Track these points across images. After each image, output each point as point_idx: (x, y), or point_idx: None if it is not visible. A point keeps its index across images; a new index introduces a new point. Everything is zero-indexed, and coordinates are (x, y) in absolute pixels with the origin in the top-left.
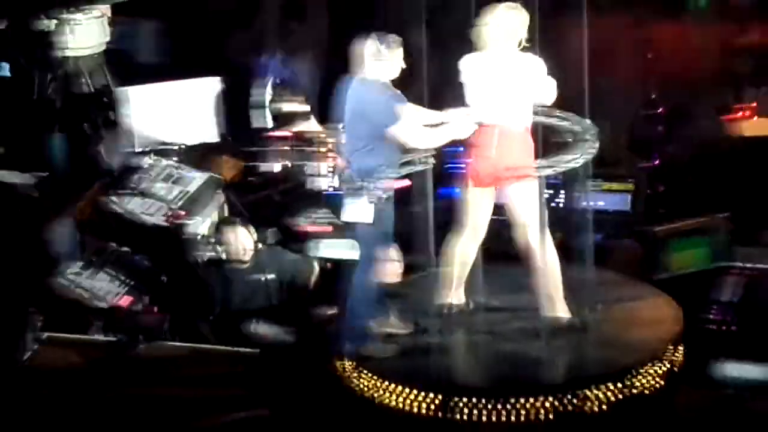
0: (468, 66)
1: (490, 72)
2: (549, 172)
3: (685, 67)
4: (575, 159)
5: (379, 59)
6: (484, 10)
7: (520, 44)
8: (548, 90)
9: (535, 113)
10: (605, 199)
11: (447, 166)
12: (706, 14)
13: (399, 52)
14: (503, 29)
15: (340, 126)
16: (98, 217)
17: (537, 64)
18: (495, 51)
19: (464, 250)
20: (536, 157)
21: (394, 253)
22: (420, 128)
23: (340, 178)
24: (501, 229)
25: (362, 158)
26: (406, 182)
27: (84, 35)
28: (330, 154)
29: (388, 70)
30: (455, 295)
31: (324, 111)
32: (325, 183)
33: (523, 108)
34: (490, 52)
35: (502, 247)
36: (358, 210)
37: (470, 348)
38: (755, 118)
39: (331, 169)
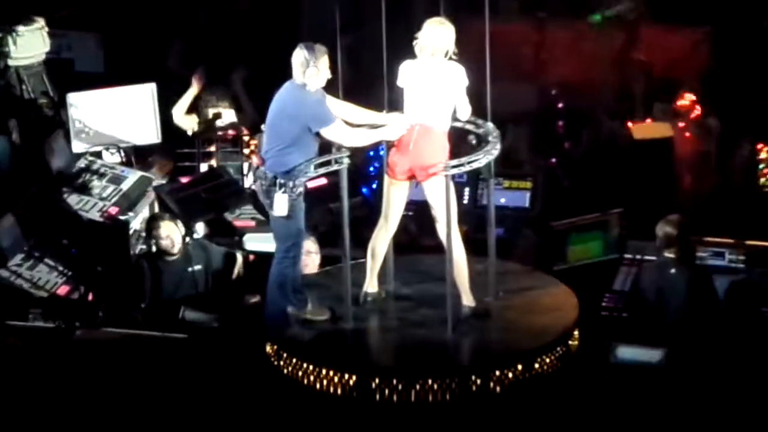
0: (403, 71)
1: (419, 77)
2: (455, 171)
3: (581, 71)
4: (479, 159)
5: (306, 67)
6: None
7: (447, 54)
8: (464, 103)
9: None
10: (506, 195)
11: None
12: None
13: (324, 60)
14: (431, 41)
15: (262, 126)
16: (38, 213)
17: (459, 74)
18: (425, 59)
19: (378, 241)
20: (451, 158)
21: (312, 245)
22: (352, 129)
23: (255, 174)
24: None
25: (283, 156)
26: (323, 180)
27: (25, 45)
28: (253, 155)
29: (315, 76)
30: (370, 285)
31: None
32: (248, 181)
33: (444, 112)
34: (421, 60)
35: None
36: (274, 204)
37: (383, 333)
38: (647, 120)
39: (247, 166)
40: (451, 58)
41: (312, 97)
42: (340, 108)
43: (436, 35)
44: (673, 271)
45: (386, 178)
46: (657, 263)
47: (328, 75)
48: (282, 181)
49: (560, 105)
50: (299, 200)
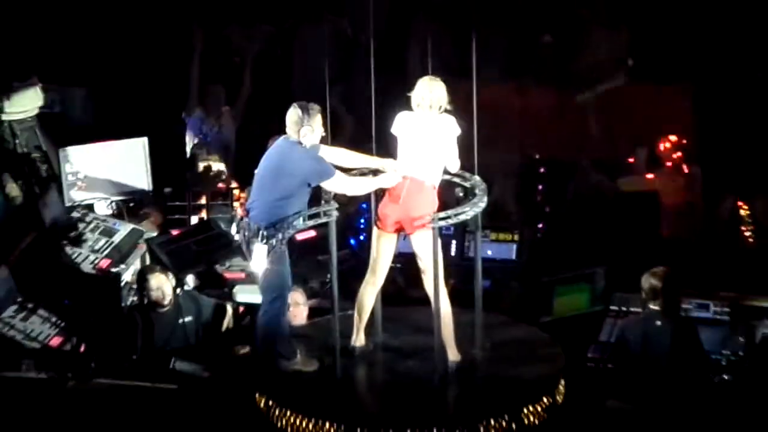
0: (398, 122)
1: (414, 129)
2: (443, 223)
3: (566, 129)
4: (466, 212)
5: (300, 126)
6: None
7: (440, 109)
8: (454, 155)
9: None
10: (493, 248)
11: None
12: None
13: (318, 119)
14: (426, 96)
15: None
16: (32, 265)
17: (452, 126)
18: (420, 113)
19: (365, 295)
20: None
21: (300, 297)
22: (352, 179)
23: (238, 225)
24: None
25: (273, 208)
26: (312, 233)
27: (19, 100)
28: (243, 207)
29: (309, 134)
30: (357, 339)
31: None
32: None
33: (435, 166)
34: (416, 113)
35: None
36: (253, 256)
37: (372, 384)
38: (632, 176)
39: (230, 217)
40: (444, 112)
41: (309, 153)
42: (333, 154)
43: (431, 90)
44: (658, 323)
45: (375, 230)
46: (642, 315)
47: (322, 132)
48: (265, 232)
49: (542, 170)
50: (283, 252)
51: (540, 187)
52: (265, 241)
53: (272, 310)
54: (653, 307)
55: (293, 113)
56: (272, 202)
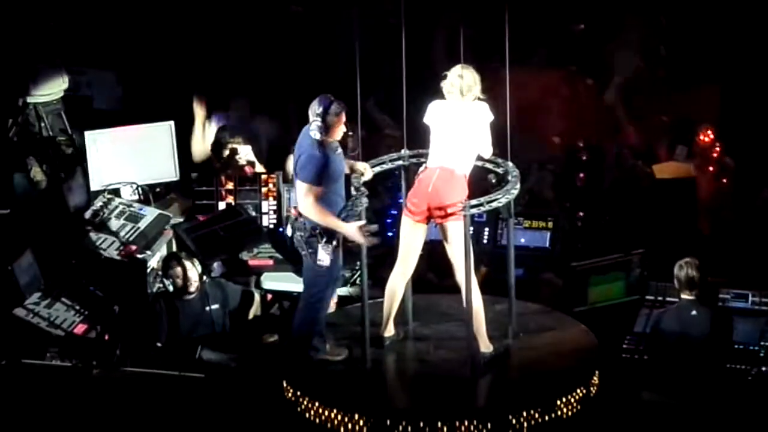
0: (431, 110)
1: (445, 118)
2: (475, 211)
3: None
4: (498, 199)
5: (316, 118)
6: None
7: (473, 96)
8: (488, 141)
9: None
10: (527, 236)
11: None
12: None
13: (335, 119)
14: (458, 83)
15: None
16: (57, 250)
17: (484, 113)
18: (452, 101)
19: (395, 284)
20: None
21: None
22: (315, 206)
23: (294, 226)
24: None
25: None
26: None
27: (44, 83)
28: (271, 194)
29: (317, 130)
30: (386, 329)
31: None
32: (266, 220)
33: (467, 155)
34: (447, 102)
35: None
36: (318, 255)
37: (401, 375)
38: (669, 161)
39: (287, 218)
40: (477, 99)
41: (312, 149)
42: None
43: (463, 77)
44: (693, 312)
45: (404, 219)
46: (677, 305)
47: (339, 134)
48: (320, 230)
49: (584, 157)
50: (338, 251)
51: (581, 174)
52: (325, 240)
53: (313, 306)
54: (688, 297)
55: (314, 103)
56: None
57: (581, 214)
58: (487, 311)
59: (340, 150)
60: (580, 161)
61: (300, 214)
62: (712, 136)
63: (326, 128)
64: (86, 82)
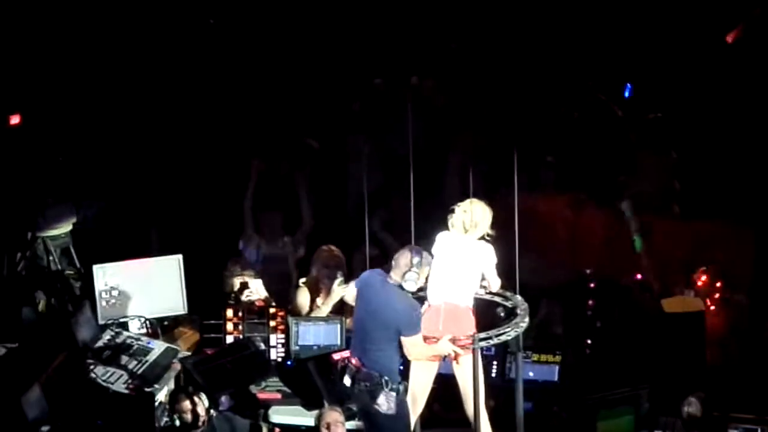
0: (438, 241)
1: (447, 252)
2: (483, 344)
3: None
4: (507, 332)
5: (408, 269)
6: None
7: (478, 232)
8: (494, 278)
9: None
10: (535, 369)
11: None
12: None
13: (427, 270)
14: (459, 218)
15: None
16: (64, 384)
17: (488, 254)
18: (458, 235)
19: None
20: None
21: (339, 416)
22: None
23: (355, 377)
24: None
25: (383, 355)
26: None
27: (53, 217)
28: (280, 327)
29: (413, 282)
30: None
31: None
32: (274, 353)
33: (469, 289)
34: (453, 235)
35: None
36: (383, 403)
37: None
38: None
39: (344, 368)
40: (484, 238)
41: (410, 302)
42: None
43: (469, 214)
44: None
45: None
46: None
47: (422, 282)
48: (387, 378)
49: (592, 285)
50: (403, 395)
51: (590, 302)
52: (390, 387)
53: None
54: None
55: (405, 255)
56: (378, 348)
57: (589, 342)
58: None
59: None
60: (588, 289)
61: (363, 365)
62: (705, 279)
63: (419, 278)
64: (93, 215)
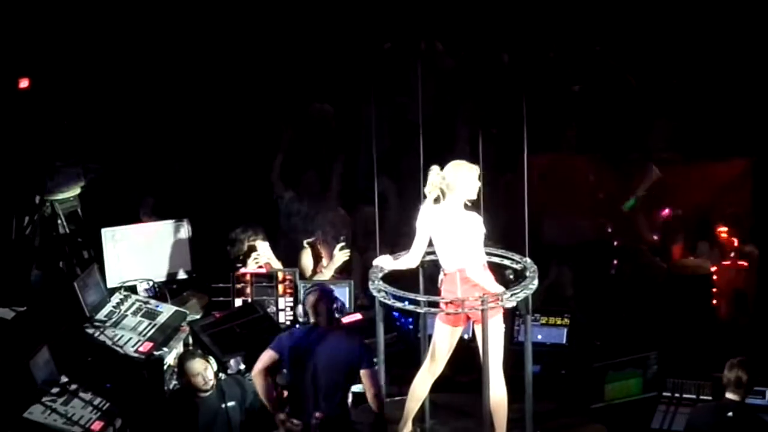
0: (423, 213)
1: (439, 223)
2: (493, 305)
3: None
4: (516, 294)
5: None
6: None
7: (461, 198)
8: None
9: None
10: (543, 332)
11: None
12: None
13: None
14: (435, 183)
15: None
16: (73, 347)
17: (476, 225)
18: (441, 204)
19: (421, 382)
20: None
21: None
22: None
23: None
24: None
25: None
26: (358, 316)
27: (61, 180)
28: (287, 291)
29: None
30: (405, 426)
31: None
32: (282, 317)
33: (474, 251)
34: (437, 205)
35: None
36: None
37: None
38: (690, 258)
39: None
40: (466, 205)
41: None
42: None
43: (446, 178)
44: (730, 414)
45: (438, 321)
46: (715, 404)
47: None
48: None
49: (615, 243)
50: None
51: (615, 261)
52: None
53: None
54: (732, 396)
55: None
56: (340, 395)
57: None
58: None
59: None
60: (612, 248)
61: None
62: (726, 233)
63: None
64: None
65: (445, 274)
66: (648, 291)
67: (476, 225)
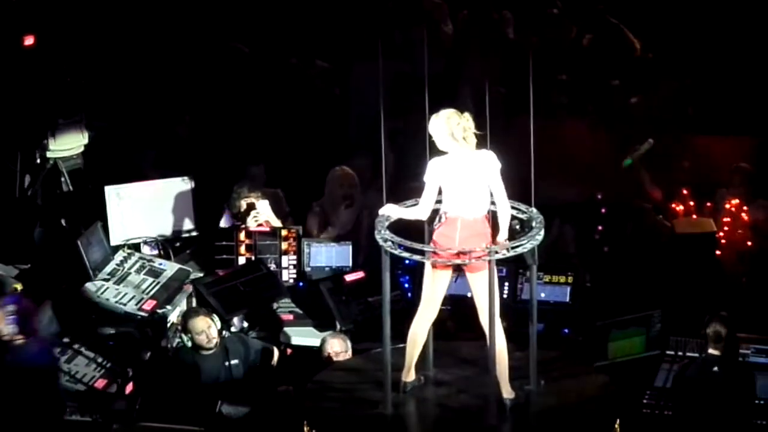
0: (432, 169)
1: (450, 171)
2: (499, 256)
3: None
4: (523, 244)
5: None
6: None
7: (452, 141)
8: (502, 195)
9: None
10: (546, 290)
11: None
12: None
13: None
14: (440, 132)
15: None
16: (76, 305)
17: (490, 159)
18: (449, 155)
19: (418, 328)
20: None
21: (342, 343)
22: None
23: None
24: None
25: None
26: (361, 274)
27: (64, 138)
28: (291, 249)
29: None
30: (408, 374)
31: None
32: (286, 275)
33: (481, 199)
34: (445, 157)
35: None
36: None
37: (423, 420)
38: (693, 216)
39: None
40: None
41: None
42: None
43: (430, 128)
44: (715, 369)
45: (429, 267)
46: (701, 360)
47: None
48: None
49: (603, 210)
50: None
51: (599, 227)
52: None
53: None
54: (713, 352)
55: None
56: None
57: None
58: (509, 359)
59: None
60: (598, 214)
61: None
62: (736, 202)
63: None
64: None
65: (446, 218)
66: (652, 250)
67: (492, 161)
